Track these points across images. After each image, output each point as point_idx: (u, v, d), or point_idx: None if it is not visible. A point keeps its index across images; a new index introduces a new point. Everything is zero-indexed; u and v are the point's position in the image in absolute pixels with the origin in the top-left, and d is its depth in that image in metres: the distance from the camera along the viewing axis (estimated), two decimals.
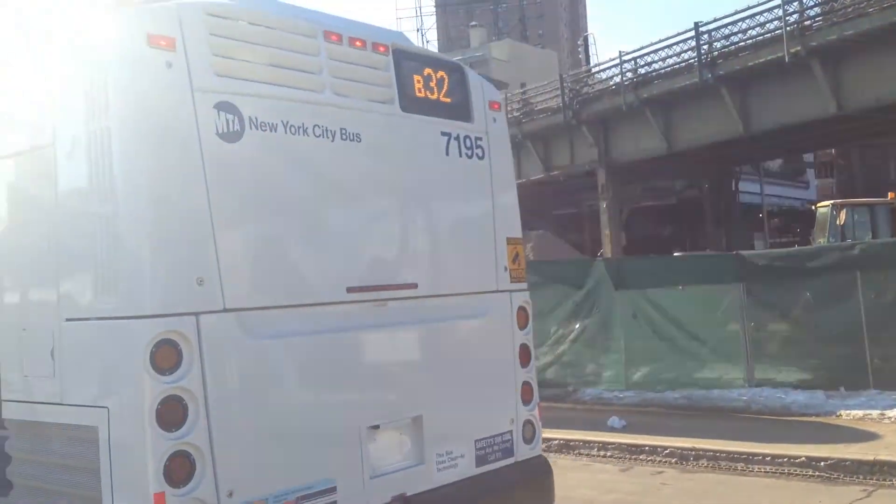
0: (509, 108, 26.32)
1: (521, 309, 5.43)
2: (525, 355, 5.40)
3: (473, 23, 56.67)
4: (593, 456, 9.86)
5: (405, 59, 4.86)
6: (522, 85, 33.16)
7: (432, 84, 4.99)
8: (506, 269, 5.34)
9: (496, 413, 5.23)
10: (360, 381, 4.47)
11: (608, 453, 9.83)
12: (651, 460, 9.43)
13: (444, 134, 5.05)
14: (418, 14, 78.72)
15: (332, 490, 4.19)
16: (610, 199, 26.28)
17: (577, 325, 13.07)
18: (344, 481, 4.26)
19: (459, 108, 5.16)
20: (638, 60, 23.93)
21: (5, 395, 4.20)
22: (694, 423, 10.61)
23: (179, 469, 3.63)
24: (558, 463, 8.69)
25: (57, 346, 3.93)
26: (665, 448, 9.47)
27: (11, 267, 4.34)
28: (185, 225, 3.75)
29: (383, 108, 4.69)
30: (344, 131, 4.44)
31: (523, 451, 5.31)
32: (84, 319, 3.82)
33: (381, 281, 4.61)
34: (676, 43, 22.87)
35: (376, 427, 4.50)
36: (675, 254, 19.95)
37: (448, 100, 5.09)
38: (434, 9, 66.98)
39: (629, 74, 23.81)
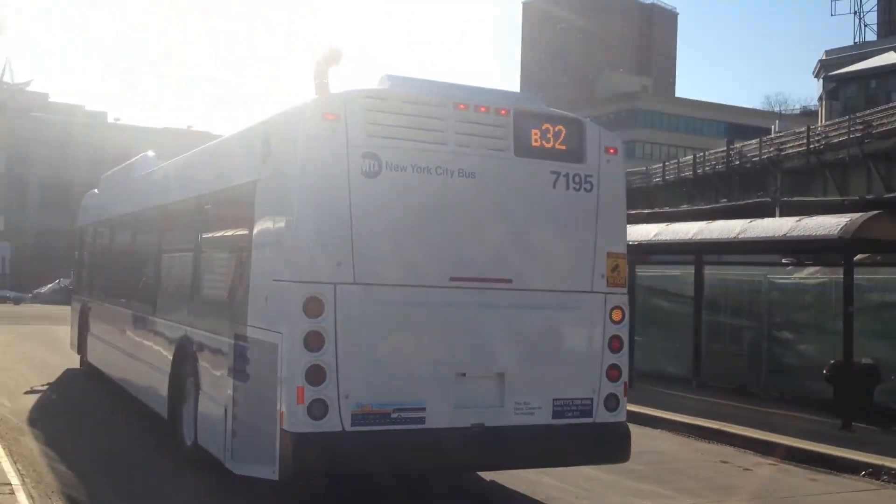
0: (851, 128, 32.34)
1: (617, 308, 7.34)
2: (616, 343, 7.32)
3: None
4: None
5: (526, 118, 7.10)
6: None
7: (549, 135, 7.16)
8: (603, 276, 7.28)
9: (577, 382, 7.16)
10: (452, 341, 6.74)
11: None
12: None
13: (553, 172, 7.15)
14: None
15: (422, 410, 6.53)
16: None
17: None
18: (432, 406, 6.57)
19: (573, 153, 7.24)
20: None
21: (251, 322, 6.95)
22: None
23: (315, 375, 6.22)
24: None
25: (269, 296, 6.66)
26: None
27: (240, 253, 7.38)
28: (333, 230, 6.37)
29: (499, 154, 6.94)
30: (461, 170, 6.79)
31: (604, 416, 7.19)
32: (279, 281, 6.50)
33: (480, 275, 6.85)
34: None
35: (463, 374, 6.74)
36: None
37: (563, 147, 7.19)
38: None
39: None
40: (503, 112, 7.01)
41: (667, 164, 47.10)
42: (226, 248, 7.87)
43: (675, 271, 16.55)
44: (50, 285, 41.12)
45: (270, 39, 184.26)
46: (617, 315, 7.39)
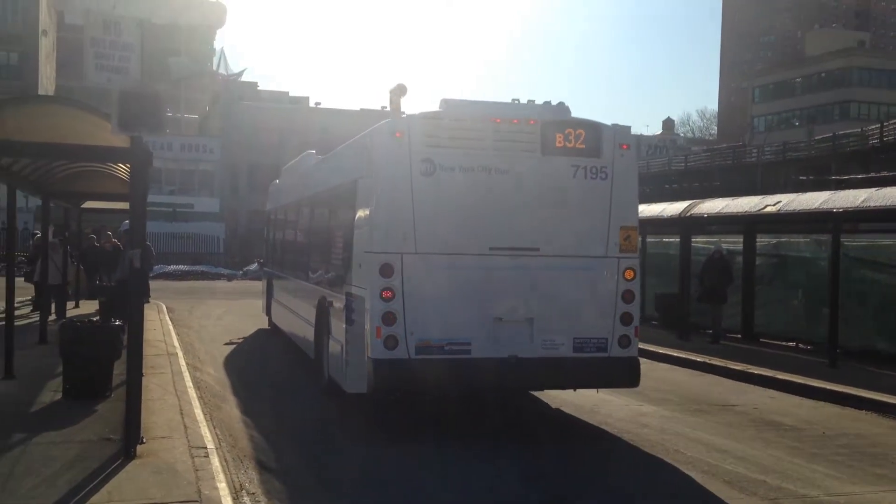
0: None
1: (629, 269, 9.71)
2: (628, 296, 9.65)
3: None
4: None
5: (551, 125, 9.58)
6: None
7: (571, 137, 9.60)
8: (616, 244, 9.66)
9: (594, 325, 9.54)
10: (491, 294, 9.26)
11: None
12: None
13: (573, 165, 9.60)
14: None
15: (468, 344, 9.09)
16: None
17: None
18: (476, 342, 9.12)
19: (590, 150, 9.63)
20: None
21: (353, 283, 9.73)
22: None
23: (388, 318, 8.90)
24: None
25: (361, 263, 9.41)
26: None
27: (350, 232, 10.05)
28: (400, 215, 9.08)
29: (529, 154, 9.48)
30: (498, 168, 9.34)
31: (617, 352, 9.56)
32: (366, 252, 9.22)
33: (513, 244, 9.42)
34: None
35: (500, 319, 9.26)
36: None
37: (582, 146, 9.61)
38: None
39: None
40: (532, 122, 9.60)
41: (885, 124, 43.22)
42: (343, 229, 10.64)
43: (888, 240, 15.36)
44: (256, 264, 44.38)
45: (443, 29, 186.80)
46: (629, 274, 9.74)
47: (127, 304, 8.32)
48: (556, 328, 9.46)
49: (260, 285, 21.31)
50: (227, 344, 16.89)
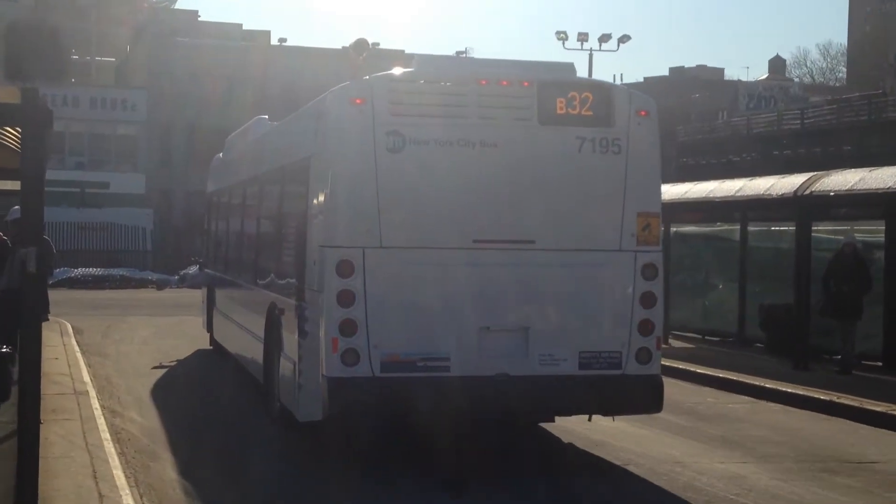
0: None
1: (649, 265, 10.49)
2: (648, 300, 10.46)
3: None
4: None
5: (550, 87, 10.25)
6: None
7: (576, 102, 10.21)
8: (633, 235, 10.39)
9: (605, 336, 10.34)
10: (475, 297, 9.98)
11: None
12: None
13: (578, 137, 10.25)
14: None
15: (447, 359, 9.82)
16: None
17: None
18: (457, 356, 9.85)
19: (600, 118, 10.32)
20: None
21: (307, 285, 10.63)
22: None
23: (348, 328, 9.55)
24: None
25: (316, 260, 10.19)
26: None
27: (302, 222, 10.90)
28: (361, 201, 9.74)
29: (523, 123, 10.11)
30: (483, 141, 10.00)
31: (634, 368, 10.36)
32: (321, 247, 10.03)
33: (502, 237, 10.09)
34: None
35: (487, 328, 10.02)
36: None
37: (590, 112, 10.28)
38: None
39: None
40: (525, 84, 10.19)
41: None
42: (294, 219, 11.50)
43: None
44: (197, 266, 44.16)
45: None
46: (648, 272, 10.49)
47: (16, 322, 8.37)
48: (557, 340, 10.29)
49: (201, 294, 21.65)
50: (155, 368, 18.06)
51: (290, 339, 11.34)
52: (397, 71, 10.41)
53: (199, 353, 20.01)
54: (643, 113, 10.48)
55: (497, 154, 10.12)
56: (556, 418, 12.18)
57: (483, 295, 10.09)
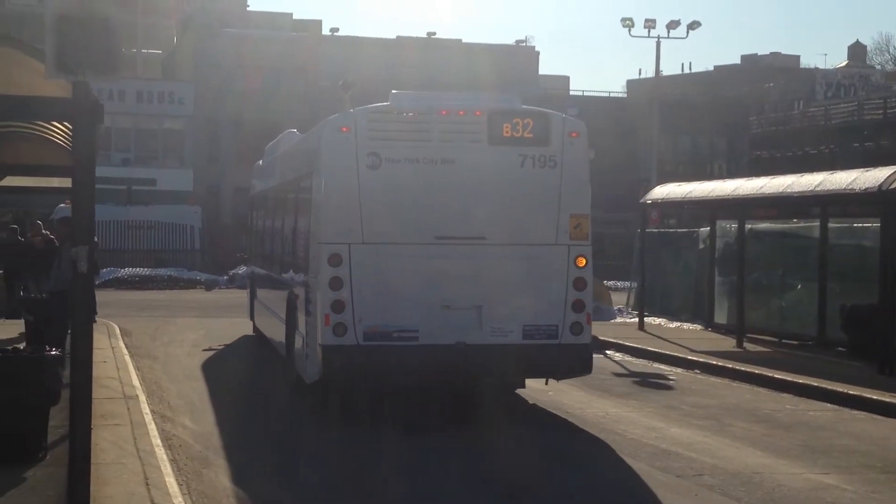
0: None
1: (580, 256, 13.66)
2: (579, 284, 13.64)
3: None
4: None
5: (498, 115, 13.62)
6: None
7: (518, 127, 13.53)
8: (566, 232, 13.64)
9: (544, 313, 13.56)
10: (438, 282, 13.38)
11: None
12: None
13: (521, 155, 13.53)
14: None
15: (416, 331, 13.30)
16: None
17: None
18: (424, 328, 13.30)
19: (539, 139, 13.62)
20: None
21: (310, 273, 14.13)
22: None
23: (337, 306, 13.14)
24: None
25: (315, 254, 13.73)
26: None
27: (304, 224, 14.91)
28: (347, 207, 13.36)
29: (476, 145, 13.54)
30: (444, 159, 13.48)
31: (569, 339, 13.56)
32: (318, 243, 13.58)
33: (459, 234, 13.49)
34: None
35: (448, 307, 13.38)
36: None
37: (530, 135, 13.56)
38: None
39: None
40: (478, 113, 13.73)
41: None
42: (303, 221, 15.05)
43: None
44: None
45: None
46: (580, 261, 13.72)
47: (65, 324, 8.48)
48: (504, 315, 13.58)
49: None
50: (205, 350, 21.23)
51: (301, 319, 14.83)
52: (375, 105, 13.98)
53: (245, 339, 22.84)
54: (574, 134, 13.84)
55: (455, 169, 13.54)
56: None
57: (444, 280, 13.49)
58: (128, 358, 18.90)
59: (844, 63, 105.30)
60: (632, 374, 19.23)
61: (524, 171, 13.57)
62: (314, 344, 13.42)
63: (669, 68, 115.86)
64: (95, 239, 27.62)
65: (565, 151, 13.69)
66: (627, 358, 21.46)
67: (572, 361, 13.77)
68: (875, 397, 15.75)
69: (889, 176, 18.24)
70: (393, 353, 13.20)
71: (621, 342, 22.79)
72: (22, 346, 14.21)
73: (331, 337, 13.06)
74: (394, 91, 14.21)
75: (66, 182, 14.36)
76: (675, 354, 20.79)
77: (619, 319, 28.97)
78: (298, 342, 14.94)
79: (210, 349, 21.43)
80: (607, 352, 22.13)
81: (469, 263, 13.50)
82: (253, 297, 22.86)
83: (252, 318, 23.10)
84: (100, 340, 19.76)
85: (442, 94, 14.86)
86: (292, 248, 16.18)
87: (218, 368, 19.00)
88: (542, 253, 13.71)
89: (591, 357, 14.10)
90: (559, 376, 14.45)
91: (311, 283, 13.93)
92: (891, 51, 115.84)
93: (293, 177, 16.55)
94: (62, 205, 29.96)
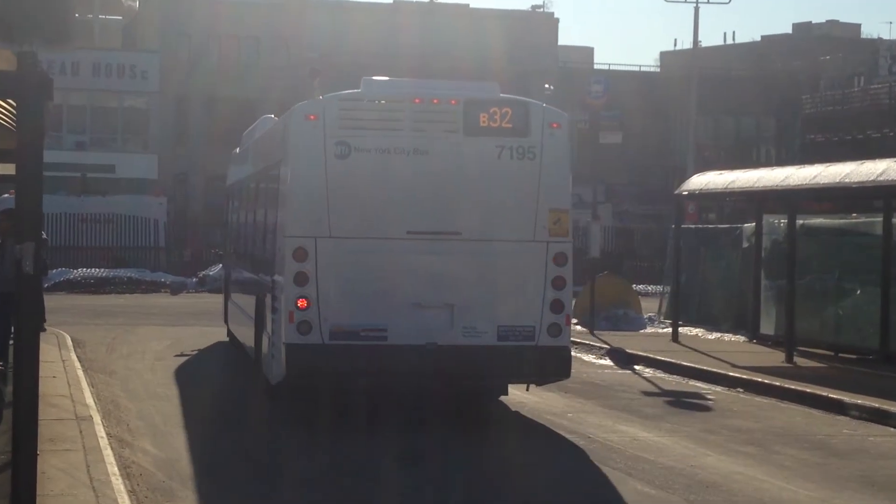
0: None
1: (560, 254, 14.57)
2: (559, 283, 14.53)
3: None
4: None
5: (475, 104, 14.71)
6: None
7: (496, 117, 14.58)
8: (545, 227, 14.52)
9: (521, 312, 14.57)
10: (409, 278, 14.51)
11: None
12: None
13: (498, 146, 14.57)
14: None
15: (384, 330, 14.41)
16: None
17: None
18: (393, 327, 14.39)
19: (518, 129, 14.63)
20: None
21: (276, 269, 15.32)
22: None
23: (302, 304, 14.29)
24: None
25: (280, 247, 14.97)
26: None
27: (272, 217, 16.05)
28: (313, 199, 14.50)
29: (450, 135, 14.63)
30: (416, 149, 14.51)
31: (546, 341, 14.49)
32: (284, 237, 14.79)
33: (431, 228, 14.57)
34: None
35: (419, 304, 14.47)
36: None
37: (509, 125, 14.60)
38: None
39: None
40: (453, 102, 14.73)
41: None
42: (272, 213, 16.07)
43: None
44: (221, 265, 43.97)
45: None
46: (559, 259, 14.62)
47: (7, 332, 8.48)
48: (478, 315, 14.61)
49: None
50: (177, 356, 22.53)
51: (268, 318, 15.96)
52: (345, 92, 15.19)
53: (219, 345, 23.44)
54: (555, 125, 14.81)
55: (428, 160, 14.53)
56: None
57: (415, 277, 14.53)
58: (80, 372, 18.87)
59: None
60: (664, 392, 19.24)
61: (501, 163, 14.61)
62: (279, 343, 14.54)
63: (709, 39, 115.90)
64: (44, 235, 27.76)
65: (545, 143, 14.69)
66: (659, 374, 21.51)
67: (550, 365, 14.87)
68: None
69: None
70: (360, 354, 14.30)
71: (652, 356, 22.84)
72: None
73: (295, 335, 14.16)
74: (364, 77, 15.42)
75: (9, 168, 14.35)
76: (715, 370, 20.78)
77: (649, 329, 29.04)
78: (265, 342, 16.19)
79: (182, 355, 22.51)
80: (636, 367, 22.19)
81: (442, 260, 14.56)
82: (227, 298, 24.04)
83: (226, 320, 24.03)
84: (48, 352, 19.80)
85: (416, 81, 16.33)
86: (262, 243, 17.23)
87: (185, 383, 18.96)
88: (519, 250, 14.73)
89: (570, 360, 15.20)
90: (536, 381, 15.75)
91: (276, 279, 15.08)
92: None
93: (263, 167, 17.95)
94: (5, 195, 29.96)
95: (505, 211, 14.67)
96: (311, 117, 14.44)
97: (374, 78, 15.58)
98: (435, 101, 14.81)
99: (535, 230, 14.59)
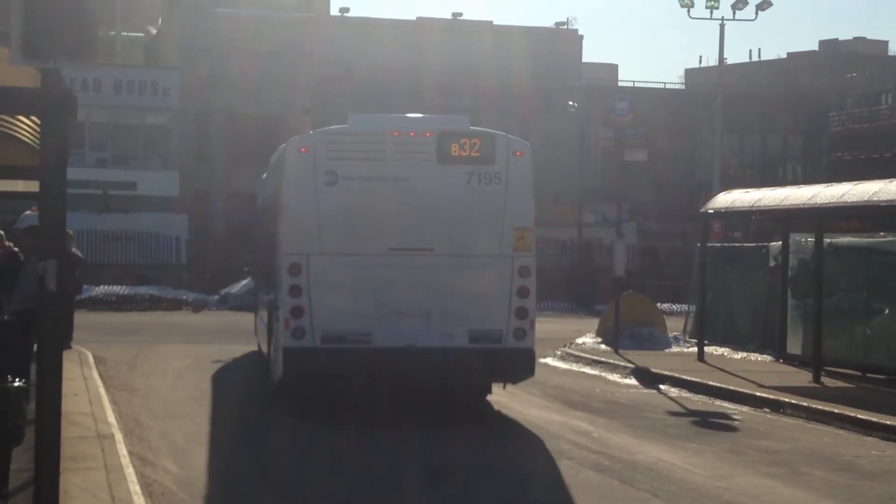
0: None
1: (524, 267, 17.25)
2: (523, 292, 17.20)
3: None
4: None
5: (447, 136, 17.44)
6: None
7: (466, 147, 17.32)
8: (510, 244, 17.22)
9: (489, 318, 17.25)
10: (390, 289, 17.09)
11: None
12: None
13: (468, 172, 17.22)
14: None
15: (369, 335, 17.02)
16: None
17: None
18: (377, 333, 16.99)
19: (485, 158, 17.34)
20: None
21: (278, 283, 17.83)
22: None
23: (297, 311, 17.00)
24: None
25: (280, 263, 17.45)
26: None
27: (276, 237, 18.43)
28: (305, 221, 17.25)
29: (426, 164, 17.32)
30: (396, 176, 17.31)
31: (512, 343, 17.17)
32: (281, 254, 17.49)
33: (410, 245, 17.24)
34: None
35: (399, 312, 17.11)
36: None
37: (477, 154, 17.34)
38: None
39: None
40: (428, 134, 17.19)
41: None
42: (276, 232, 18.11)
43: None
44: (244, 282, 43.19)
45: None
46: (523, 272, 17.02)
47: (29, 350, 8.48)
48: (452, 321, 16.95)
49: (250, 319, 24.71)
50: (214, 362, 24.76)
51: (275, 326, 18.33)
52: (333, 127, 18.05)
53: (252, 355, 24.68)
54: (519, 153, 17.23)
55: (406, 186, 16.95)
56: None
57: (397, 288, 16.87)
58: (102, 390, 18.92)
59: None
60: (689, 412, 19.18)
61: (471, 188, 17.00)
62: (280, 347, 17.09)
63: (735, 56, 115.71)
64: (80, 253, 27.64)
65: (510, 169, 17.08)
66: (684, 394, 21.43)
67: (516, 364, 17.29)
68: None
69: None
70: (348, 356, 16.70)
71: (677, 375, 22.76)
72: None
73: (291, 340, 16.66)
74: (352, 114, 18.14)
75: (32, 185, 14.41)
76: (741, 390, 20.72)
77: (674, 349, 28.93)
78: (273, 348, 18.62)
79: (219, 361, 24.57)
80: (661, 386, 22.11)
81: (419, 273, 16.92)
82: (256, 311, 26.23)
83: (256, 332, 25.58)
84: (70, 370, 19.83)
85: (396, 116, 19.55)
86: (271, 260, 19.46)
87: (208, 400, 19.06)
88: (487, 263, 17.22)
89: (534, 360, 17.60)
90: (504, 379, 18.14)
91: (278, 291, 17.40)
92: None
93: (271, 192, 20.75)
94: (28, 212, 30.06)
95: (475, 229, 17.08)
96: (303, 150, 17.10)
97: (360, 114, 18.35)
98: (412, 133, 17.40)
99: (501, 246, 17.02)
